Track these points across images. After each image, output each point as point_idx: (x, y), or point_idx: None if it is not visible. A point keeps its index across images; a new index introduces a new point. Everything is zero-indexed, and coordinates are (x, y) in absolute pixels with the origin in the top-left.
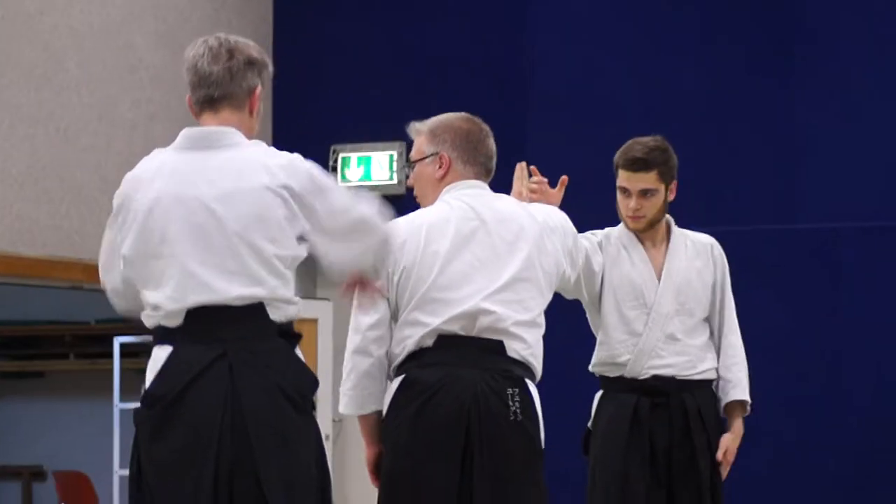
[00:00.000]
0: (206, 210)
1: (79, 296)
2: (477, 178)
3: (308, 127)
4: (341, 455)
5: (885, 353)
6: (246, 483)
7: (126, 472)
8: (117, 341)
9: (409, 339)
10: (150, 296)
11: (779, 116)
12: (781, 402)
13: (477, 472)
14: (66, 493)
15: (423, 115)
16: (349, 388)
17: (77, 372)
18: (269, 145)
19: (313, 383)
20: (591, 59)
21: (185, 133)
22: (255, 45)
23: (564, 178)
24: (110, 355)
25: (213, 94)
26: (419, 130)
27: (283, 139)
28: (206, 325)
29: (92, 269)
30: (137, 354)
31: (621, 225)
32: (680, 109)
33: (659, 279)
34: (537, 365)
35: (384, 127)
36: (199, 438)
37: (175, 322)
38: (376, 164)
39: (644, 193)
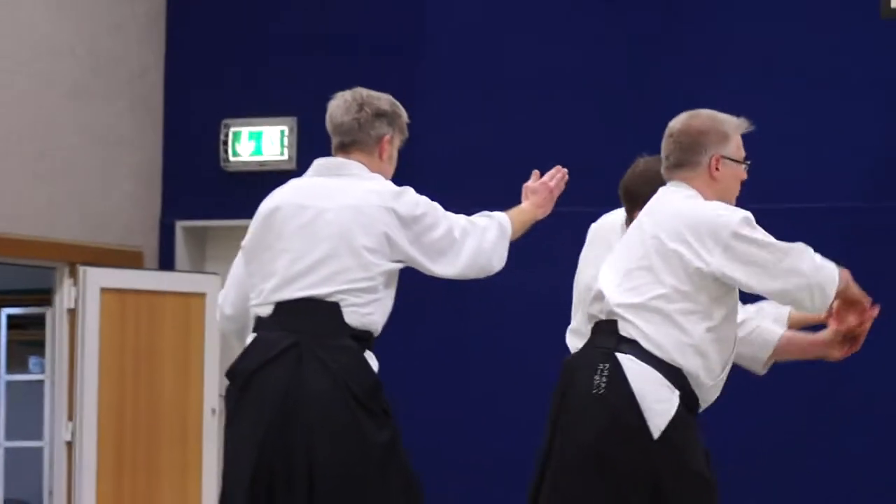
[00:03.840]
0: (319, 217)
1: None
2: None
3: (199, 102)
4: None
5: None
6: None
7: (12, 444)
8: (4, 313)
9: None
10: (257, 288)
11: (667, 92)
12: None
13: None
14: None
15: (315, 90)
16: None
17: None
18: (160, 121)
19: (376, 384)
20: (484, 34)
21: (316, 162)
22: (388, 99)
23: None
24: None
25: (344, 141)
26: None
27: (175, 114)
28: (288, 316)
29: None
30: (24, 326)
31: None
32: (568, 86)
33: None
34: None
35: (276, 102)
36: (261, 416)
37: (266, 312)
38: (267, 140)
39: None
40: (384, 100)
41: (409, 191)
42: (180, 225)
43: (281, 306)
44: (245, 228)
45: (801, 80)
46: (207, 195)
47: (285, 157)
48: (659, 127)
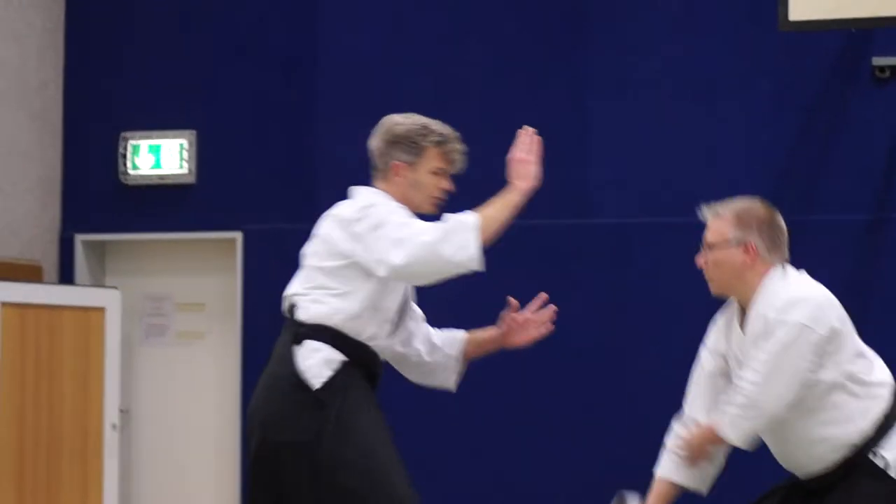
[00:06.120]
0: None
1: None
2: (781, 262)
3: (98, 114)
4: (128, 444)
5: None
6: None
7: None
8: None
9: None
10: None
11: (568, 109)
12: None
13: None
14: None
15: (214, 103)
16: None
17: None
18: (60, 134)
19: (294, 373)
20: (379, 45)
21: None
22: (402, 121)
23: None
24: None
25: (374, 165)
26: (720, 214)
27: (74, 127)
28: None
29: None
30: None
31: None
32: (468, 98)
33: None
34: None
35: (175, 115)
36: None
37: None
38: (166, 153)
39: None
40: (397, 122)
41: (370, 201)
42: (80, 238)
43: None
44: (144, 242)
45: (704, 92)
46: (107, 209)
47: (185, 170)
48: (553, 142)
